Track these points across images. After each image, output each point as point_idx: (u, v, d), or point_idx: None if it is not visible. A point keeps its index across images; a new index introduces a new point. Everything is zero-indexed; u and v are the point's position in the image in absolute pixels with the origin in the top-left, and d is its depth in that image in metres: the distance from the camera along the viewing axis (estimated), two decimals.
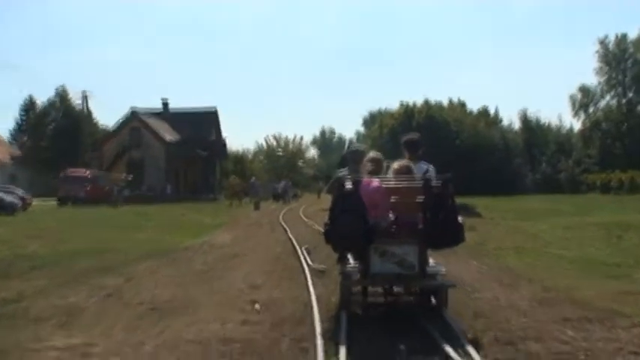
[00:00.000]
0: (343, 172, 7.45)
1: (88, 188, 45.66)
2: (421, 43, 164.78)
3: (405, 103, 72.30)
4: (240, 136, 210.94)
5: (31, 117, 75.11)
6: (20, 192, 38.47)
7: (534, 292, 7.94)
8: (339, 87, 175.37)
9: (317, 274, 9.29)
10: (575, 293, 7.85)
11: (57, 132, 72.05)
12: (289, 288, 8.25)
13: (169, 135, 58.62)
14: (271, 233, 18.42)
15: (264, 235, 18.05)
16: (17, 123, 75.97)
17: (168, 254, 13.23)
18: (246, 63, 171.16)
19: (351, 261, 6.83)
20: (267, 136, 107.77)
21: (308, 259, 10.60)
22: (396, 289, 6.98)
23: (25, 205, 36.26)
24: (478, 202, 29.66)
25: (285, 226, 20.31)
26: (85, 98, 59.25)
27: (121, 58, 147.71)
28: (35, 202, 46.62)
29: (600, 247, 13.86)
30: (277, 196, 51.27)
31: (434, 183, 6.40)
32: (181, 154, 57.96)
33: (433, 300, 6.57)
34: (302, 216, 26.73)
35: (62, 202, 44.52)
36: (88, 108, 61.59)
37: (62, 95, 75.18)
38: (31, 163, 65.65)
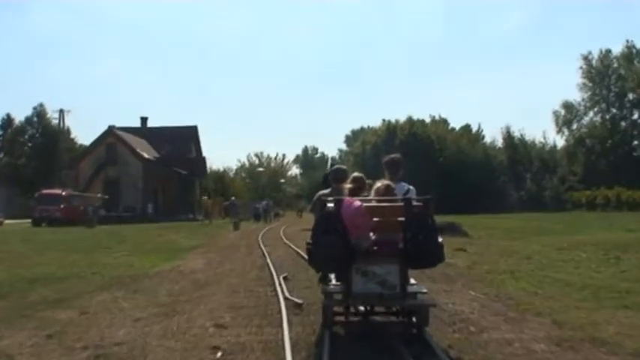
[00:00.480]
0: (325, 192, 7.48)
1: (63, 208, 44.26)
2: (403, 61, 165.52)
3: (387, 121, 71.73)
4: (223, 155, 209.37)
5: (8, 134, 73.76)
6: None
7: (547, 329, 6.82)
8: (322, 105, 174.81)
9: (294, 307, 8.14)
10: (595, 330, 6.75)
11: (35, 150, 70.84)
12: (261, 328, 7.04)
13: (147, 152, 57.15)
14: (248, 257, 17.21)
15: (240, 258, 16.82)
16: None
17: (134, 282, 12.05)
18: (228, 81, 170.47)
19: (334, 281, 6.91)
20: (249, 154, 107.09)
21: (285, 290, 9.43)
22: (377, 308, 6.96)
23: None
24: (463, 221, 28.70)
25: (263, 248, 19.15)
26: (61, 115, 57.52)
27: (105, 77, 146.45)
28: (10, 222, 45.36)
29: (600, 270, 12.84)
30: (258, 216, 50.11)
31: (414, 203, 6.43)
32: (160, 172, 56.56)
33: (414, 319, 6.54)
34: (282, 237, 25.51)
35: (36, 222, 43.24)
36: (64, 125, 59.80)
37: (40, 113, 73.89)
38: (7, 182, 64.10)
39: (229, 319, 7.49)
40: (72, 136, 76.77)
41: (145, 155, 56.09)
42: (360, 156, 69.32)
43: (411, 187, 7.31)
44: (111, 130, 56.70)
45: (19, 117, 75.75)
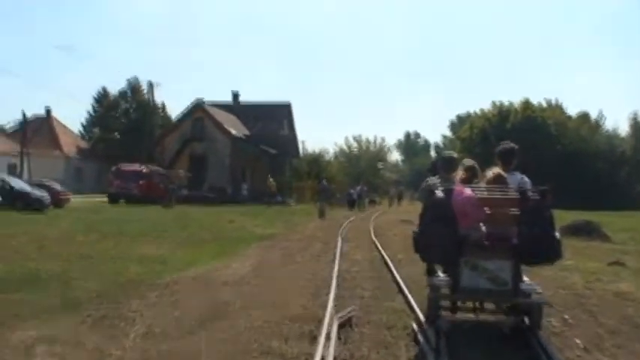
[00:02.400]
0: (435, 179, 7.10)
1: (142, 185, 41.11)
2: (511, 44, 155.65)
3: (499, 103, 65.56)
4: (320, 138, 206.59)
5: (102, 108, 72.38)
6: (57, 186, 34.47)
7: None
8: (425, 90, 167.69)
9: None
10: None
11: (128, 124, 69.06)
12: None
13: (236, 129, 53.38)
14: (314, 261, 12.46)
15: (302, 263, 12.08)
16: (89, 114, 73.64)
17: (121, 299, 8.06)
18: (329, 64, 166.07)
19: (440, 274, 6.53)
20: (347, 137, 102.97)
21: None
22: (486, 305, 6.51)
23: (61, 201, 32.14)
24: (590, 218, 22.82)
25: (339, 248, 14.47)
26: (150, 88, 54.60)
27: (202, 54, 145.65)
28: (85, 198, 42.76)
29: None
30: (352, 202, 45.48)
31: (531, 194, 6.02)
32: (248, 151, 52.81)
33: (526, 320, 6.09)
34: (371, 230, 20.53)
35: (113, 199, 40.26)
36: (153, 98, 56.94)
37: (135, 87, 71.97)
38: (99, 156, 62.51)
39: None
40: (167, 111, 74.98)
41: (233, 132, 51.95)
42: (467, 141, 63.64)
43: (526, 179, 6.75)
44: (199, 105, 52.89)
45: (113, 91, 74.66)
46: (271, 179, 46.53)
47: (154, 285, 9.10)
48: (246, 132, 55.58)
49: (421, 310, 6.75)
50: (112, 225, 20.22)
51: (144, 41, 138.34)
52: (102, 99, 73.72)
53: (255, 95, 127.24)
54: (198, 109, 52.50)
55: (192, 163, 51.12)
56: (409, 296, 7.69)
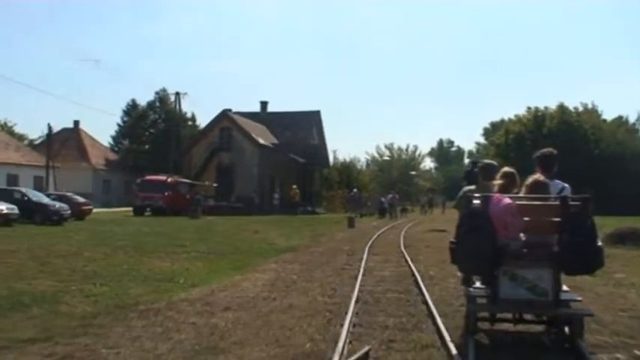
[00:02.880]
0: (471, 188, 7.09)
1: (167, 196, 40.15)
2: (545, 50, 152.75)
3: (534, 108, 63.75)
4: (351, 146, 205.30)
5: (131, 120, 71.97)
6: (79, 198, 33.79)
7: None
8: (458, 97, 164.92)
9: None
10: None
11: (156, 135, 68.62)
12: None
13: (264, 138, 52.31)
14: (336, 276, 11.23)
15: (321, 279, 10.79)
16: (119, 126, 73.28)
17: (111, 327, 7.04)
18: (360, 72, 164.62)
19: (478, 283, 6.32)
20: (378, 145, 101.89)
21: None
22: (526, 316, 6.22)
23: (82, 213, 31.41)
24: (631, 224, 21.01)
25: (365, 261, 13.27)
26: (177, 98, 53.57)
27: (230, 64, 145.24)
28: (110, 210, 42.19)
29: None
30: (383, 211, 44.16)
31: (572, 202, 5.80)
32: (277, 160, 51.75)
33: (567, 330, 5.93)
34: (401, 241, 19.14)
35: (138, 211, 39.33)
36: (180, 108, 55.94)
37: (163, 98, 71.45)
38: (127, 168, 62.00)
39: None
40: (197, 122, 74.40)
41: (261, 141, 51.01)
42: (501, 147, 62.09)
43: (566, 185, 6.38)
44: (225, 114, 52.08)
45: (142, 103, 74.30)
46: (294, 187, 45.53)
47: (145, 311, 7.98)
48: (275, 141, 54.53)
49: (455, 344, 5.71)
50: (129, 238, 19.45)
51: (173, 54, 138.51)
52: (131, 111, 73.37)
53: (285, 106, 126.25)
54: (224, 118, 51.58)
55: (219, 172, 50.33)
56: (440, 324, 6.43)
